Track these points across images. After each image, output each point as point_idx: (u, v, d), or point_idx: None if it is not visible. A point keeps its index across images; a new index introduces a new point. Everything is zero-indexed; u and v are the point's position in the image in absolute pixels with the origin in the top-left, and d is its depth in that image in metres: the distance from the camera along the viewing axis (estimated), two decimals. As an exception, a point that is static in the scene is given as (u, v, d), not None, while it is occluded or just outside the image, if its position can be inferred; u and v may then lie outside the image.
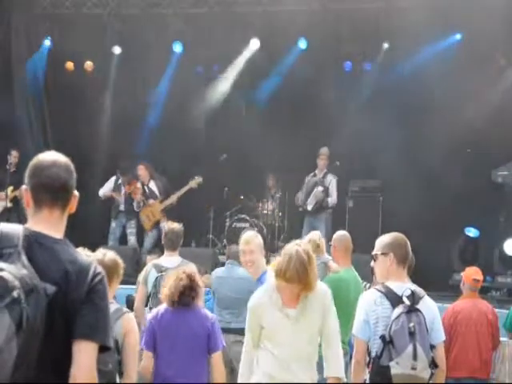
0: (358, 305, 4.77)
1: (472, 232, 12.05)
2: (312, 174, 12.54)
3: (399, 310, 4.46)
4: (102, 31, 13.75)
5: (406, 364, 4.35)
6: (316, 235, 7.76)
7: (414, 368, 4.34)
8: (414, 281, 5.18)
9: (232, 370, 6.11)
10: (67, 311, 2.65)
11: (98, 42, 13.81)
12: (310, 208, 12.19)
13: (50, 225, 2.76)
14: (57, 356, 2.65)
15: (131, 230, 12.92)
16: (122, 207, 12.91)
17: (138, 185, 12.85)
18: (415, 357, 4.34)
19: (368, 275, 9.26)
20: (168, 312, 5.32)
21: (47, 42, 14.02)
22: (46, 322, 2.56)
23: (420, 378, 4.38)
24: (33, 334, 2.51)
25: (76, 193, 2.86)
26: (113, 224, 12.96)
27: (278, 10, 13.14)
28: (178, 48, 13.89)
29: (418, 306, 4.49)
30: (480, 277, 7.79)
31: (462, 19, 12.07)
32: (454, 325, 7.50)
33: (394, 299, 4.52)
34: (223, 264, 8.35)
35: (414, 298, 4.50)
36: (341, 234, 7.21)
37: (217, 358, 5.36)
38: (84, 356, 2.64)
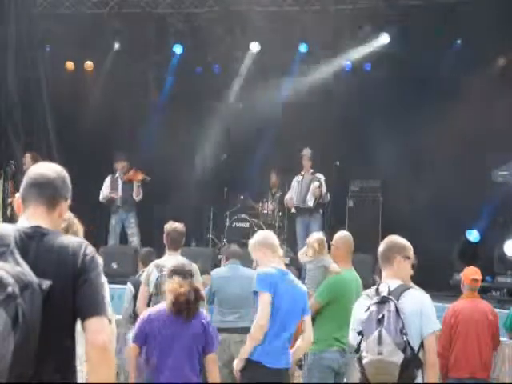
0: (352, 313, 4.79)
1: (473, 236, 12.03)
2: (299, 174, 12.39)
3: (371, 301, 4.48)
4: (102, 31, 13.74)
5: (373, 350, 4.33)
6: (317, 237, 7.76)
7: (380, 353, 4.30)
8: (414, 281, 5.18)
9: (232, 371, 6.11)
10: (67, 301, 2.68)
11: (98, 42, 13.82)
12: (311, 204, 12.06)
13: (37, 219, 2.80)
14: (58, 349, 2.69)
15: (132, 231, 12.76)
16: (119, 202, 12.71)
17: (139, 173, 12.71)
18: (380, 341, 4.30)
19: (368, 276, 9.31)
20: (165, 315, 5.33)
21: (48, 42, 14.01)
22: (45, 316, 2.59)
23: (388, 362, 4.31)
24: (29, 329, 2.53)
25: (68, 201, 2.91)
26: (112, 221, 12.83)
27: (277, 9, 13.15)
28: (178, 49, 13.94)
29: (401, 298, 4.49)
30: (479, 276, 7.80)
31: (462, 20, 12.10)
32: (454, 325, 7.50)
33: (373, 296, 4.54)
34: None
35: (391, 291, 4.51)
36: (343, 234, 7.18)
37: (212, 358, 5.37)
38: (101, 331, 2.69)
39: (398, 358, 4.32)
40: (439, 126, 12.39)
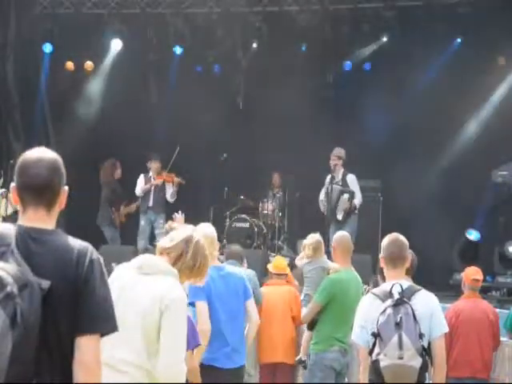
0: (357, 311, 4.77)
1: (473, 235, 12.03)
2: (329, 176, 11.66)
3: (386, 304, 4.45)
4: (102, 31, 13.75)
5: (393, 354, 4.31)
6: (314, 238, 7.77)
7: (400, 357, 4.29)
8: (415, 281, 5.18)
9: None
10: (67, 302, 2.66)
11: (98, 42, 13.82)
12: (340, 217, 11.53)
13: (37, 222, 2.77)
14: (57, 350, 2.67)
15: (160, 231, 12.65)
16: (150, 202, 12.62)
17: (171, 176, 12.64)
18: (401, 346, 4.29)
19: (368, 276, 9.29)
20: None
21: (47, 42, 14.01)
22: (44, 316, 2.58)
23: (408, 367, 4.32)
24: (28, 329, 2.52)
25: (65, 188, 2.84)
26: (142, 222, 12.67)
27: (277, 10, 13.15)
28: (178, 50, 13.98)
29: (412, 300, 4.49)
30: (480, 276, 7.79)
31: (463, 20, 12.11)
32: (455, 325, 7.48)
33: (385, 297, 4.52)
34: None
35: (403, 292, 4.50)
36: (341, 234, 7.20)
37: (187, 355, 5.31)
38: (87, 351, 2.67)
39: (417, 362, 4.34)
40: (439, 125, 12.40)
